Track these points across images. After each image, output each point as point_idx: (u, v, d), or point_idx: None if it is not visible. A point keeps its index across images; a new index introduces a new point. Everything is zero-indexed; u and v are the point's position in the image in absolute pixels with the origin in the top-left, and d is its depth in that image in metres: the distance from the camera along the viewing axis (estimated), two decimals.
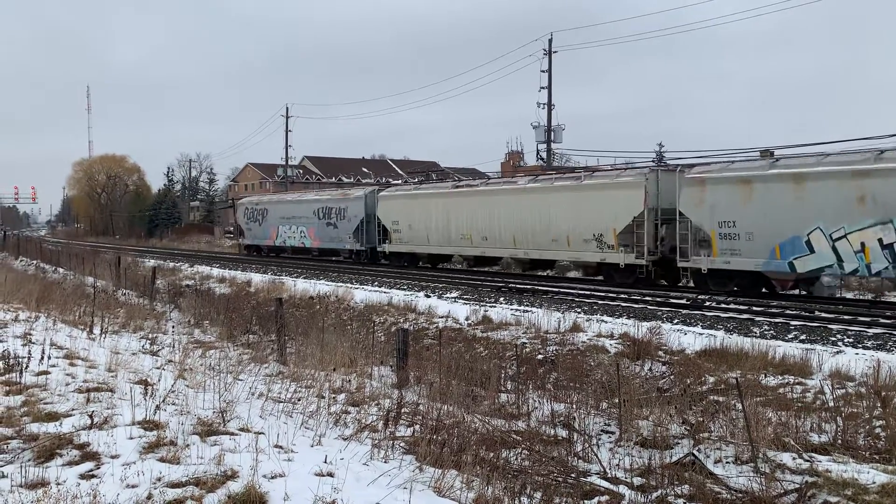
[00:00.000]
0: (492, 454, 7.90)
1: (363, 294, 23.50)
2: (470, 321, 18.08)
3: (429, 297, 22.92)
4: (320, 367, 11.46)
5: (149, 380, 9.33)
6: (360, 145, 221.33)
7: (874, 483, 7.03)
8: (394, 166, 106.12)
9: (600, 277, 27.04)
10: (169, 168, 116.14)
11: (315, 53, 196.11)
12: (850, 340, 14.46)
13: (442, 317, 18.83)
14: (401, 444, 7.80)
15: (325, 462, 6.54)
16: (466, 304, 21.00)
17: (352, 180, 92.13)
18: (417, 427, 8.47)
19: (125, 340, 13.83)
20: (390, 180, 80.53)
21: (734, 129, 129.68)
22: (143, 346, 13.23)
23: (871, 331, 15.25)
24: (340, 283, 27.31)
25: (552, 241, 27.14)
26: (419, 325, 18.31)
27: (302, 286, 26.42)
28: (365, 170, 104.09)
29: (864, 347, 13.74)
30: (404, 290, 24.96)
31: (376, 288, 25.92)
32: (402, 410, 8.98)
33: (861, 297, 22.57)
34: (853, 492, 6.94)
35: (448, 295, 23.59)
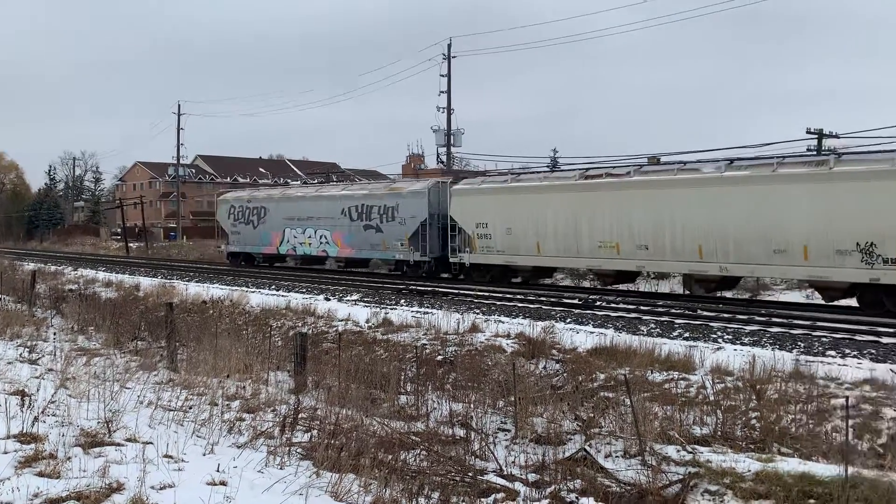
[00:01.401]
0: (390, 456, 7.91)
1: (259, 298, 22.97)
2: (370, 324, 18.01)
3: (328, 300, 22.67)
4: (213, 374, 11.13)
5: (26, 390, 8.79)
6: (256, 145, 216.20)
7: (749, 471, 7.50)
8: (292, 166, 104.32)
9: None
10: (51, 166, 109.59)
11: (211, 51, 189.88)
12: (730, 337, 15.35)
13: (342, 320, 18.67)
14: (298, 451, 7.69)
15: (218, 471, 6.37)
16: (367, 306, 20.91)
17: (248, 180, 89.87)
18: (315, 432, 8.37)
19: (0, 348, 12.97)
20: (288, 181, 79.06)
21: (629, 136, 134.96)
22: (20, 355, 12.43)
23: (748, 328, 16.23)
24: (235, 287, 26.58)
25: (774, 253, 19.54)
26: (318, 328, 18.07)
27: (194, 290, 25.53)
28: (262, 170, 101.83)
29: (742, 344, 14.61)
30: (303, 293, 24.59)
31: (273, 291, 25.38)
32: (300, 416, 8.86)
33: (739, 297, 23.96)
34: (731, 480, 7.39)
35: (349, 297, 23.41)
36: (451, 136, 45.71)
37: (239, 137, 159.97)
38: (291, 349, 12.67)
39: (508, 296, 23.02)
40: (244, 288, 26.30)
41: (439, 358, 14.35)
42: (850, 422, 9.94)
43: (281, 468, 6.93)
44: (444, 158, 46.91)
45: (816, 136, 24.71)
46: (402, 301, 22.50)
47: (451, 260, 27.40)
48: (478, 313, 18.95)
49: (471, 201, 26.94)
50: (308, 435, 8.35)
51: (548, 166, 41.19)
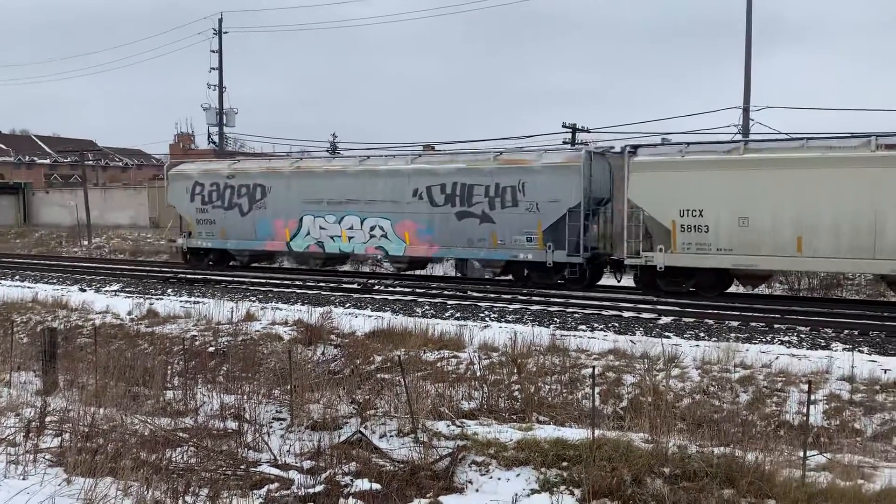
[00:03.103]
0: (155, 456, 7.44)
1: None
2: (133, 316, 16.75)
3: (84, 290, 20.75)
4: None
5: None
6: None
7: (512, 440, 8.05)
8: (40, 143, 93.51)
9: None
10: None
11: None
12: (496, 316, 16.36)
13: (100, 312, 17.17)
14: (46, 457, 6.97)
15: None
16: (129, 297, 19.44)
17: None
18: (67, 436, 7.63)
19: None
20: (35, 159, 70.79)
21: (403, 123, 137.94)
22: None
23: (512, 306, 17.41)
24: None
25: None
26: (72, 322, 16.49)
27: None
28: (2, 146, 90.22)
29: (506, 321, 15.64)
30: (53, 283, 22.27)
31: (17, 283, 22.71)
32: (48, 419, 8.02)
33: (505, 278, 25.55)
34: (495, 450, 7.88)
35: (107, 288, 21.58)
36: (224, 116, 43.72)
37: None
38: (39, 347, 11.43)
39: (287, 282, 22.59)
40: None
41: (211, 349, 13.74)
42: (597, 389, 11.07)
43: (24, 478, 6.24)
44: (215, 138, 44.77)
45: (571, 129, 27.12)
46: (170, 290, 21.21)
47: (628, 262, 18.88)
48: (253, 301, 18.40)
49: (669, 179, 17.99)
50: (59, 439, 7.59)
51: (328, 150, 40.90)
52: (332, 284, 21.86)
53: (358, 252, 23.12)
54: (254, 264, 26.50)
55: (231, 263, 26.11)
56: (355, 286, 21.47)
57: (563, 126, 27.44)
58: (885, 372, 10.74)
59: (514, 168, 20.28)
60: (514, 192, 20.03)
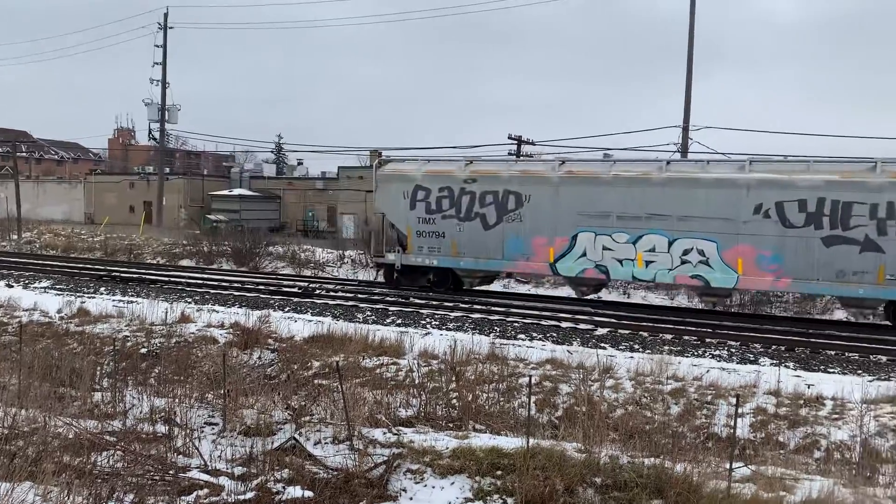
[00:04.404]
0: (79, 460, 7.19)
1: None
2: (63, 314, 16.19)
3: (10, 287, 19.97)
4: None
5: None
6: None
7: (447, 448, 8.05)
8: None
9: None
10: None
11: None
12: (437, 323, 16.37)
13: (27, 310, 16.53)
14: None
15: None
16: (60, 294, 18.78)
17: None
18: None
19: None
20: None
21: (345, 127, 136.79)
22: None
23: (453, 314, 17.45)
24: None
25: None
26: None
27: None
28: None
29: (447, 329, 15.67)
30: None
31: None
32: None
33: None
34: (431, 458, 7.87)
35: (36, 285, 20.81)
36: (167, 112, 42.74)
37: None
38: None
39: (224, 283, 22.18)
40: None
41: (143, 351, 13.38)
42: (534, 398, 11.18)
43: None
44: (156, 135, 43.71)
45: (517, 141, 27.41)
46: (103, 289, 20.58)
47: None
48: (189, 302, 18.00)
49: None
50: None
51: (271, 151, 40.36)
52: (271, 287, 21.55)
53: (661, 280, 18.47)
54: (482, 286, 22.19)
55: (453, 285, 20.91)
56: (296, 290, 21.21)
57: (510, 137, 27.76)
58: (809, 387, 11.13)
59: None
60: None
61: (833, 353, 14.17)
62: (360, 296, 20.29)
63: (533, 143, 28.47)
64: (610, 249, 18.34)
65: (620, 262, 18.25)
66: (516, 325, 16.36)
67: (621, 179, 18.20)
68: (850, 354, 14.04)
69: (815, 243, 16.37)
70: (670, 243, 17.66)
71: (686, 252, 17.55)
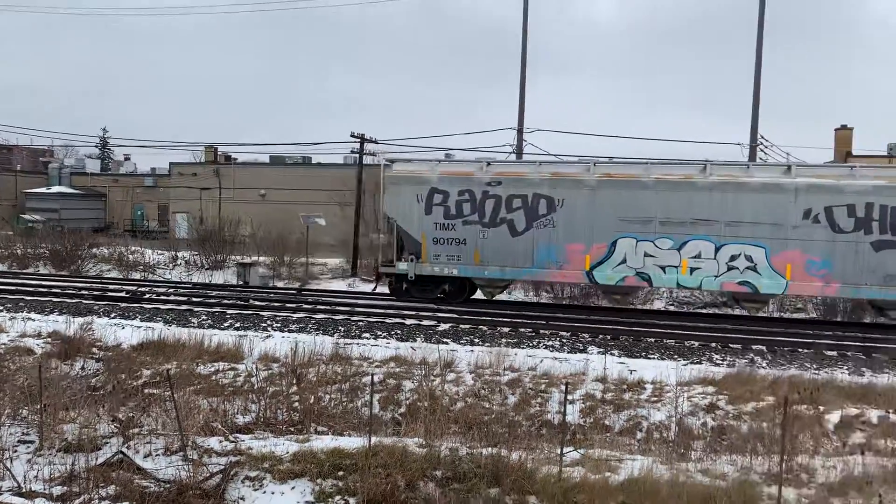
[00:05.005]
0: None
1: None
2: None
3: None
4: None
5: None
6: None
7: (288, 453, 7.89)
8: None
9: None
10: None
11: None
12: (279, 325, 15.99)
13: None
14: None
15: None
16: None
17: None
18: None
19: None
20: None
21: (180, 123, 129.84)
22: None
23: (296, 315, 17.13)
24: None
25: None
26: None
27: None
28: None
29: (290, 331, 15.36)
30: None
31: None
32: None
33: (290, 287, 25.10)
34: (270, 464, 7.68)
35: None
36: None
37: None
38: None
39: (42, 289, 20.40)
40: None
41: None
42: (378, 396, 11.22)
43: None
44: None
45: (359, 139, 27.31)
46: None
47: None
48: (0, 310, 16.41)
49: None
50: None
51: (95, 146, 37.56)
52: (95, 292, 20.11)
53: (708, 288, 17.85)
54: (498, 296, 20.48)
55: (488, 294, 19.60)
56: (123, 294, 19.93)
57: (352, 135, 27.56)
58: (632, 372, 11.99)
59: None
60: None
61: (652, 340, 15.32)
62: (194, 299, 19.40)
63: (376, 142, 28.51)
64: (652, 256, 17.68)
65: (663, 269, 17.65)
66: (361, 324, 16.32)
67: (664, 183, 17.60)
68: (668, 341, 15.25)
69: (866, 248, 16.66)
70: (717, 249, 17.31)
71: (734, 258, 17.26)
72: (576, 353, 13.95)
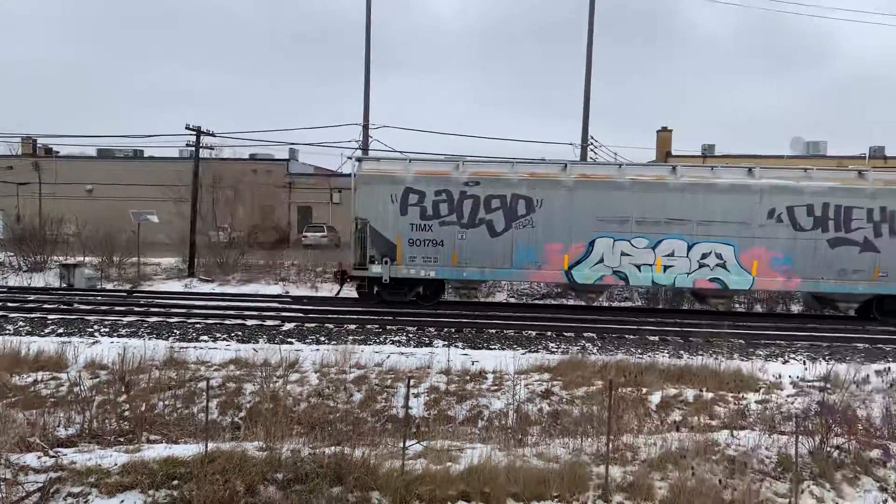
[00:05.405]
0: None
1: None
2: None
3: None
4: None
5: None
6: None
7: (116, 465, 7.41)
8: None
9: None
10: None
11: None
12: (107, 330, 14.97)
13: None
14: None
15: None
16: None
17: None
18: None
19: None
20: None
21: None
22: None
23: (127, 319, 16.11)
24: None
25: None
26: None
27: None
28: None
29: (119, 336, 14.41)
30: None
31: None
32: None
33: (121, 289, 23.57)
34: (97, 478, 7.18)
35: None
36: None
37: None
38: None
39: None
40: None
41: None
42: (216, 400, 10.81)
43: None
44: None
45: (195, 132, 26.08)
46: None
47: None
48: None
49: None
50: None
51: None
52: None
53: (680, 285, 18.30)
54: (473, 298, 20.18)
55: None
56: None
57: (188, 128, 26.24)
58: (474, 363, 12.34)
59: None
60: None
61: (494, 331, 15.85)
62: (9, 304, 17.74)
63: (213, 135, 27.35)
64: (629, 255, 18.02)
65: (639, 267, 18.02)
66: (198, 326, 15.63)
67: (639, 184, 18.00)
68: (508, 332, 15.83)
69: (822, 245, 17.77)
70: (689, 247, 17.88)
71: (705, 256, 17.89)
72: (422, 347, 14.14)
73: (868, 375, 11.86)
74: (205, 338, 14.50)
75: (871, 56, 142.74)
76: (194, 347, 13.23)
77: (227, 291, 22.23)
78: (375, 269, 18.38)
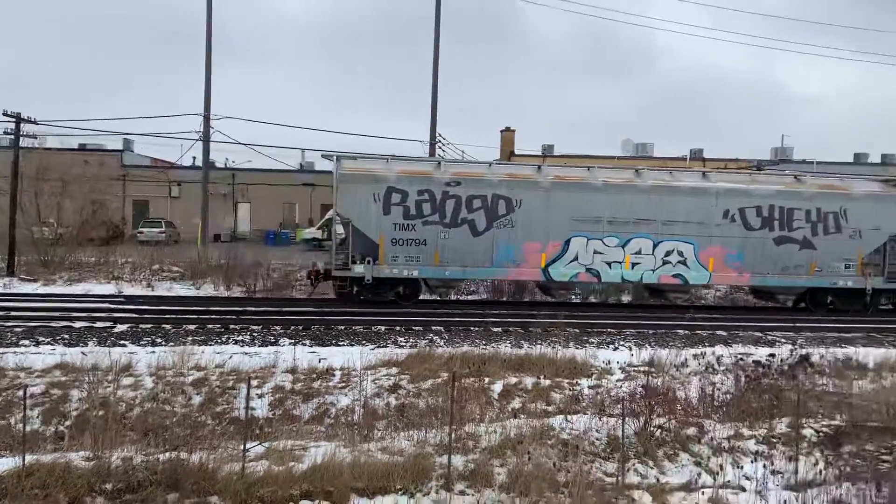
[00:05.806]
0: None
1: None
2: None
3: None
4: None
5: None
6: None
7: None
8: None
9: None
10: None
11: None
12: None
13: None
14: None
15: None
16: None
17: None
18: None
19: None
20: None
21: None
22: None
23: None
24: None
25: None
26: None
27: None
28: None
29: None
30: None
31: None
32: None
33: None
34: None
35: None
36: None
37: None
38: None
39: None
40: None
41: None
42: (39, 409, 10.02)
43: None
44: None
45: (14, 118, 23.92)
46: None
47: None
48: None
49: None
50: None
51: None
52: None
53: (647, 281, 19.26)
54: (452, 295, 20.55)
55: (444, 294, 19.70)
56: None
57: (5, 114, 23.98)
58: (321, 361, 12.22)
59: (836, 195, 19.93)
60: (837, 218, 19.76)
61: (343, 328, 15.76)
62: None
63: (36, 122, 25.16)
64: (601, 253, 18.88)
65: (610, 265, 18.89)
66: (18, 329, 14.36)
67: (612, 186, 18.90)
68: (357, 328, 15.80)
69: (769, 243, 19.41)
70: (655, 246, 19.01)
71: (668, 254, 19.09)
72: (267, 346, 13.78)
73: (686, 359, 12.95)
74: (26, 342, 13.34)
75: (693, 65, 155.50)
76: (13, 353, 12.15)
77: (54, 292, 20.58)
78: (358, 269, 18.25)
